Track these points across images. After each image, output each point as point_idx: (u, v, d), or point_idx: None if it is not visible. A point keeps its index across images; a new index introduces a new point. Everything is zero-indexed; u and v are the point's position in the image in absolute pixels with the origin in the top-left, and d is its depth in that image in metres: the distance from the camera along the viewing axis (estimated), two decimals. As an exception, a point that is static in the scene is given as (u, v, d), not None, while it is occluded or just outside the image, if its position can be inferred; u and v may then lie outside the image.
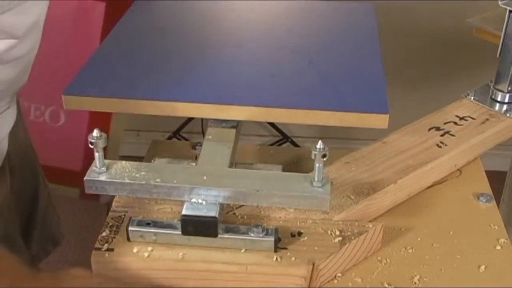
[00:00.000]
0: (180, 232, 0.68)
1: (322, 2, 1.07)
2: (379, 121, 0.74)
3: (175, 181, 0.68)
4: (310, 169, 0.67)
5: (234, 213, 0.74)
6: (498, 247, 0.76)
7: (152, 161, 0.86)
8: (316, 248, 0.69)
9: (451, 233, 0.77)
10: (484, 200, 0.83)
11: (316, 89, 0.80)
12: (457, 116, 0.93)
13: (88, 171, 0.69)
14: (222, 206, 0.69)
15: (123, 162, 0.70)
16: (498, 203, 0.86)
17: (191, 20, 1.00)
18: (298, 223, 0.73)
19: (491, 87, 0.98)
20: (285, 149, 1.01)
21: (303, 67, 0.84)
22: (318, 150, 0.65)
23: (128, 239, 0.69)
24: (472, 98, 0.97)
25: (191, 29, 0.96)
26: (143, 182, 0.68)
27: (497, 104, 0.96)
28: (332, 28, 0.98)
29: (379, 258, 0.73)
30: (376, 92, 0.78)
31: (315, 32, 0.97)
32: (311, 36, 0.95)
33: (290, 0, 1.06)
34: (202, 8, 1.03)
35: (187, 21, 0.99)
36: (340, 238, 0.70)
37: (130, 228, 0.69)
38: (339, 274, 0.71)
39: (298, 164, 0.90)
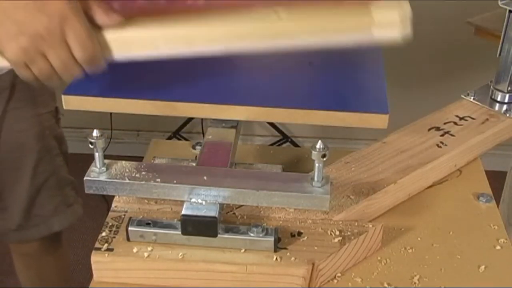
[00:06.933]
0: (180, 232, 0.68)
1: None
2: (379, 121, 0.74)
3: (175, 181, 0.68)
4: (310, 169, 0.67)
5: (234, 213, 0.74)
6: (498, 247, 0.76)
7: (152, 161, 0.86)
8: (316, 248, 0.69)
9: (451, 233, 0.77)
10: (484, 200, 0.83)
11: (316, 89, 0.80)
12: (457, 116, 0.93)
13: (88, 171, 0.69)
14: (222, 206, 0.69)
15: (123, 162, 0.70)
16: (498, 203, 0.86)
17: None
18: (298, 223, 0.73)
19: (491, 87, 0.98)
20: (285, 149, 1.01)
21: (304, 67, 0.84)
22: (318, 150, 0.65)
23: (128, 239, 0.69)
24: (472, 98, 0.97)
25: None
26: (143, 182, 0.68)
27: (497, 104, 0.96)
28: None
29: (379, 258, 0.73)
30: (376, 92, 0.78)
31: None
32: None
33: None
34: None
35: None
36: (340, 238, 0.70)
37: (130, 228, 0.69)
38: (339, 274, 0.71)
39: (298, 164, 0.90)
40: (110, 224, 0.72)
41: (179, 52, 0.68)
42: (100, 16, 0.67)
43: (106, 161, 0.69)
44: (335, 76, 0.83)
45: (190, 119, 2.06)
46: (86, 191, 0.69)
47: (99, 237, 0.70)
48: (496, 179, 1.01)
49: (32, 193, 1.13)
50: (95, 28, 0.66)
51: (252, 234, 0.68)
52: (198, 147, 0.93)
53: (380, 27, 0.64)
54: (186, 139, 2.09)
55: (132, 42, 0.67)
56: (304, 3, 0.68)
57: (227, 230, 0.68)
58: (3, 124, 1.07)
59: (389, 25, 0.65)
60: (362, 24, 0.65)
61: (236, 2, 0.69)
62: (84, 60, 0.66)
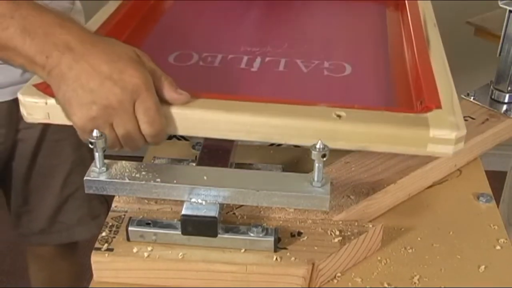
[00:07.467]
0: (180, 232, 0.68)
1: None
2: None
3: (175, 181, 0.68)
4: (310, 169, 0.67)
5: (234, 213, 0.74)
6: (498, 247, 0.76)
7: (152, 161, 0.86)
8: (316, 248, 0.69)
9: (451, 233, 0.77)
10: (484, 200, 0.83)
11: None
12: (457, 116, 0.93)
13: (88, 171, 0.69)
14: (222, 206, 0.69)
15: (123, 162, 0.70)
16: (498, 203, 0.86)
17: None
18: (298, 223, 0.73)
19: (491, 87, 0.98)
20: (285, 149, 1.01)
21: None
22: (318, 150, 0.65)
23: (128, 239, 0.69)
24: (472, 98, 0.97)
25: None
26: (143, 182, 0.68)
27: (497, 104, 0.96)
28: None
29: (379, 258, 0.73)
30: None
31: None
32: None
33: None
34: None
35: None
36: (340, 238, 0.70)
37: (130, 228, 0.69)
38: (339, 274, 0.71)
39: (298, 164, 0.90)
40: (110, 224, 0.72)
41: (238, 137, 0.71)
42: (169, 93, 0.67)
43: (106, 161, 0.69)
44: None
45: (190, 119, 2.05)
46: (86, 191, 0.69)
47: (99, 237, 0.70)
48: (496, 179, 1.01)
49: (60, 201, 1.14)
50: (162, 101, 0.67)
51: (252, 234, 0.68)
52: (198, 147, 0.93)
53: (435, 143, 0.67)
54: (186, 139, 2.09)
55: (195, 121, 0.69)
56: (364, 107, 0.70)
57: (227, 230, 0.68)
58: (47, 133, 1.08)
59: (444, 143, 0.67)
60: (419, 141, 0.67)
61: (300, 99, 0.73)
62: (149, 134, 0.67)
